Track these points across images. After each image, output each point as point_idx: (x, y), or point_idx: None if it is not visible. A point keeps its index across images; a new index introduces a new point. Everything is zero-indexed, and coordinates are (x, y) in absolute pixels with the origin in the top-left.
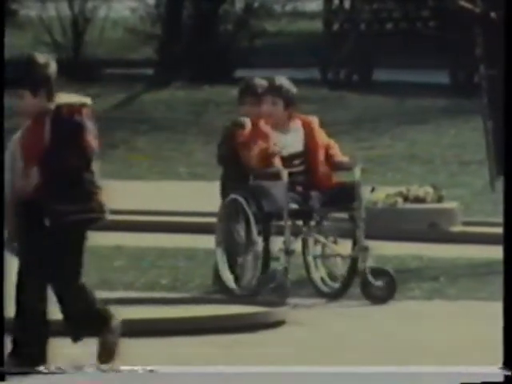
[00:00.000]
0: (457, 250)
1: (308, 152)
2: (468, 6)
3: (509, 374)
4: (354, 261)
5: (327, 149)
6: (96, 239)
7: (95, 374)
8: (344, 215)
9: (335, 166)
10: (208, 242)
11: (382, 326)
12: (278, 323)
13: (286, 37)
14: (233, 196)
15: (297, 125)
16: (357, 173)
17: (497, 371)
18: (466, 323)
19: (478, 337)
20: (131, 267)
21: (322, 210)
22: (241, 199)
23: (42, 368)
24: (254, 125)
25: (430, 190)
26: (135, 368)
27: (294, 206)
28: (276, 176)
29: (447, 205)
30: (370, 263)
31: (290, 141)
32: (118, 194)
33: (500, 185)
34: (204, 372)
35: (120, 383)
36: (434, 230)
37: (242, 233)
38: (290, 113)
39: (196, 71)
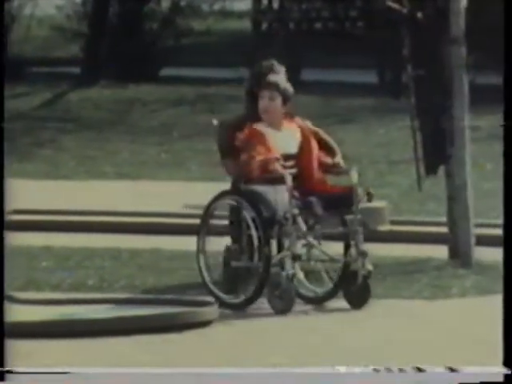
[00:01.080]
0: (385, 249)
1: (303, 155)
2: (395, 6)
3: (509, 373)
4: (346, 265)
5: (318, 151)
6: (25, 239)
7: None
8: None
9: (328, 169)
10: (133, 242)
11: (309, 324)
12: (206, 323)
13: (213, 36)
14: (229, 201)
15: (292, 125)
16: (354, 176)
17: (497, 371)
18: (393, 322)
19: (402, 335)
20: (59, 267)
21: (325, 216)
22: (238, 205)
23: (42, 368)
24: (250, 125)
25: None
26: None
27: (296, 211)
28: (278, 180)
29: (375, 204)
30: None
31: (284, 140)
32: (46, 194)
33: (427, 184)
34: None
35: None
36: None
37: (243, 240)
38: (286, 110)
39: (122, 70)
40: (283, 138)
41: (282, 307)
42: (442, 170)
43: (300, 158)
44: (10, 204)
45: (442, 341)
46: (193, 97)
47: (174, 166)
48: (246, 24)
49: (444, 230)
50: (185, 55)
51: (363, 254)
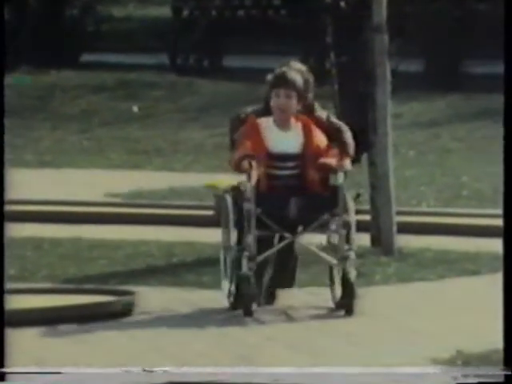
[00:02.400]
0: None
1: (303, 156)
2: None
3: (509, 373)
4: (330, 270)
5: (323, 152)
6: None
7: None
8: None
9: (320, 168)
10: (54, 231)
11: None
12: (126, 313)
13: (133, 22)
14: (222, 194)
15: (297, 124)
16: (340, 177)
17: (497, 371)
18: (316, 311)
19: (325, 324)
20: None
21: (299, 217)
22: (228, 199)
23: (42, 368)
24: (254, 119)
25: None
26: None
27: (259, 210)
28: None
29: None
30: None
31: (287, 140)
32: None
33: (350, 172)
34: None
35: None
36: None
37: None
38: (300, 108)
39: (43, 56)
40: (287, 137)
41: (242, 309)
42: (364, 158)
43: (302, 158)
44: None
45: (367, 329)
46: (113, 83)
47: (95, 154)
48: (166, 11)
49: (366, 217)
50: (105, 41)
51: (345, 259)
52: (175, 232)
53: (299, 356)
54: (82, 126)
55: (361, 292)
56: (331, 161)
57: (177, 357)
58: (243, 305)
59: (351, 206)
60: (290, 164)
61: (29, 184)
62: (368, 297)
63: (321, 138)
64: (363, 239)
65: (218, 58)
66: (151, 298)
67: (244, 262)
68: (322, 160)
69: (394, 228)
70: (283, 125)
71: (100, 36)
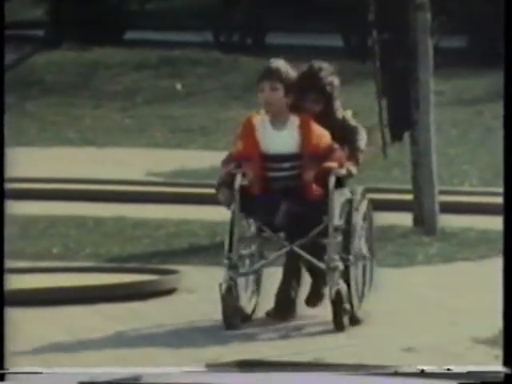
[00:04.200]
0: None
1: (302, 156)
2: None
3: (509, 373)
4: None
5: (326, 152)
6: None
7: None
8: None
9: (320, 170)
10: (98, 209)
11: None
12: (170, 291)
13: (177, 0)
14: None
15: (294, 121)
16: (331, 182)
17: (497, 371)
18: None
19: (367, 303)
20: (22, 236)
21: (286, 223)
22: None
23: (42, 368)
24: (248, 120)
25: None
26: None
27: (241, 215)
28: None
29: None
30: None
31: (283, 138)
32: (8, 161)
33: (392, 151)
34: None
35: None
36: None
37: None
38: (290, 102)
39: (86, 33)
40: (282, 136)
41: (224, 323)
42: (406, 136)
43: (300, 158)
44: None
45: (410, 308)
46: (156, 61)
47: (137, 132)
48: None
49: (408, 197)
50: (149, 19)
51: (332, 269)
52: (218, 211)
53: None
54: (124, 104)
55: (403, 272)
56: (332, 164)
57: (219, 335)
58: (222, 317)
59: (359, 208)
60: (287, 165)
61: (71, 162)
62: (410, 277)
63: (321, 137)
64: (405, 219)
65: (261, 35)
66: (194, 276)
67: (225, 271)
68: (325, 164)
69: (437, 207)
70: (278, 123)
71: (144, 14)
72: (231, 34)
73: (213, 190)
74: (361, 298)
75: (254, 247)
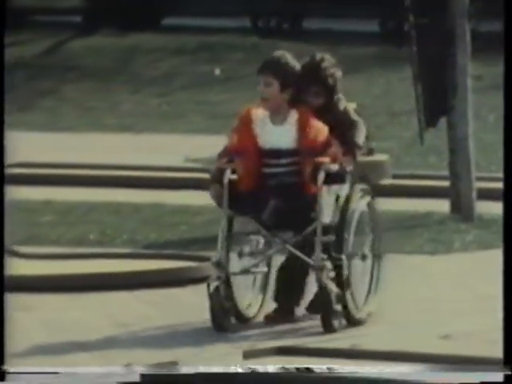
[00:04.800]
0: (386, 203)
1: (300, 151)
2: None
3: (509, 373)
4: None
5: (323, 148)
6: (25, 193)
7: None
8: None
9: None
10: (135, 196)
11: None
12: (207, 278)
13: None
14: None
15: (293, 116)
16: (320, 177)
17: (497, 371)
18: (393, 277)
19: (405, 290)
20: (59, 222)
21: (273, 220)
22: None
23: (42, 368)
24: (245, 113)
25: None
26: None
27: (228, 212)
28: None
29: (378, 158)
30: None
31: (283, 134)
32: (47, 146)
33: (429, 136)
34: None
35: None
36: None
37: None
38: (290, 97)
39: (124, 18)
40: (280, 131)
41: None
42: (443, 121)
43: (297, 153)
44: (10, 157)
45: (446, 295)
46: (194, 46)
47: (175, 118)
48: None
49: (445, 183)
50: (187, 5)
51: (319, 268)
52: None
53: None
54: (162, 90)
55: (439, 259)
56: (323, 159)
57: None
58: (211, 318)
59: (356, 206)
60: (285, 161)
61: (109, 148)
62: (446, 264)
63: (319, 132)
64: (442, 206)
65: (298, 20)
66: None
67: (212, 270)
68: (317, 159)
69: (474, 194)
70: (277, 118)
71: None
72: (269, 19)
73: None
74: (364, 299)
75: (257, 246)
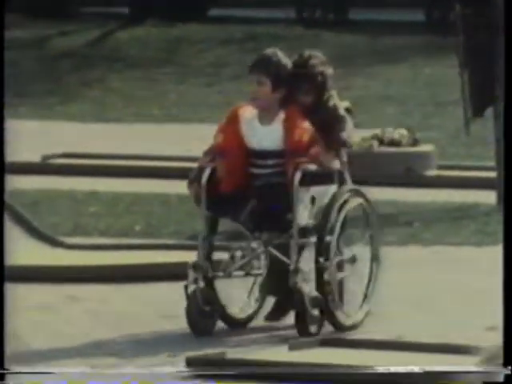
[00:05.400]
0: (432, 194)
1: (285, 152)
2: None
3: (509, 373)
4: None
5: (308, 148)
6: (71, 184)
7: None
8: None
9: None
10: (182, 187)
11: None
12: None
13: None
14: None
15: (281, 116)
16: (295, 178)
17: (497, 371)
18: (440, 269)
19: (452, 282)
20: (106, 213)
21: (250, 222)
22: None
23: (41, 368)
24: (233, 112)
25: (404, 132)
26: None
27: (205, 212)
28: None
29: (423, 148)
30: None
31: (270, 134)
32: (93, 136)
33: (475, 127)
34: None
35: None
36: (409, 174)
37: None
38: (282, 97)
39: (170, 9)
40: (267, 131)
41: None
42: (489, 111)
43: (282, 155)
44: (56, 147)
45: (493, 286)
46: (241, 36)
47: (222, 108)
48: None
49: (492, 174)
50: None
51: (294, 272)
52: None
53: None
54: (209, 80)
55: (485, 250)
56: (301, 160)
57: None
58: (187, 321)
59: (342, 207)
60: (271, 161)
61: (155, 139)
62: (493, 255)
63: (305, 132)
64: (488, 197)
65: (343, 10)
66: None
67: (189, 273)
68: (296, 160)
69: None
70: (266, 118)
71: None
72: (314, 10)
73: None
74: (359, 304)
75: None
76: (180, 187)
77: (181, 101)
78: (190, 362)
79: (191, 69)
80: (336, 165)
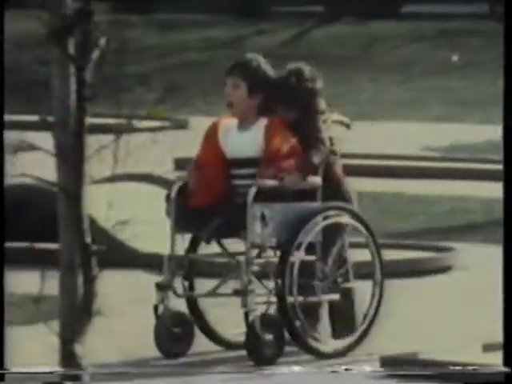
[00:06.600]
0: None
1: (261, 159)
2: None
3: (509, 373)
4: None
5: (281, 158)
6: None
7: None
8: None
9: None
10: (375, 185)
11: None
12: (445, 269)
13: None
14: None
15: (262, 123)
16: (250, 195)
17: (497, 371)
18: None
19: None
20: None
21: (212, 238)
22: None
23: (41, 368)
24: (214, 122)
25: None
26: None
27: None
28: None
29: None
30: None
31: (247, 141)
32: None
33: None
34: None
35: None
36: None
37: None
38: (259, 102)
39: (365, 6)
40: (244, 138)
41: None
42: None
43: (260, 163)
44: None
45: None
46: (433, 32)
47: (414, 106)
48: None
49: None
50: None
51: (243, 293)
52: (494, 187)
53: None
54: (401, 77)
55: None
56: (262, 172)
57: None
58: (155, 342)
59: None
60: (250, 171)
61: (348, 137)
62: None
63: (285, 142)
64: None
65: None
66: (469, 254)
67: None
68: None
69: None
70: (244, 125)
71: None
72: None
73: (488, 166)
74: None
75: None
76: (373, 185)
77: (373, 98)
78: (384, 362)
79: (384, 66)
80: (294, 183)
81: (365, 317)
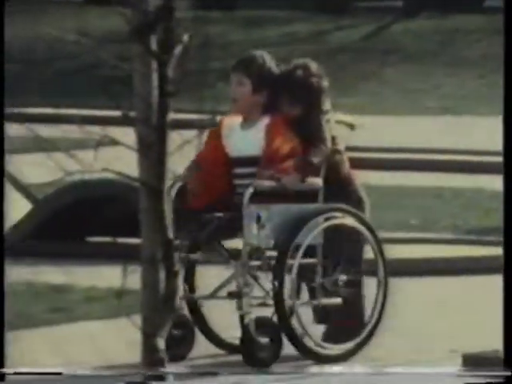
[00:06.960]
0: None
1: (261, 159)
2: None
3: (509, 374)
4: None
5: (280, 159)
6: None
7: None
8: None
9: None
10: (456, 180)
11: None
12: None
13: None
14: None
15: (264, 121)
16: (246, 196)
17: (497, 371)
18: None
19: None
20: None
21: (208, 241)
22: None
23: (42, 368)
24: (223, 117)
25: None
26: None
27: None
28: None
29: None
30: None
31: (249, 140)
32: (366, 129)
33: None
34: None
35: None
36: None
37: None
38: (264, 101)
39: (446, 0)
40: (247, 136)
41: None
42: None
43: (260, 162)
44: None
45: None
46: None
47: (493, 100)
48: None
49: None
50: None
51: (237, 295)
52: None
53: None
54: (481, 71)
55: None
56: (261, 173)
57: None
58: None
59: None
60: (249, 170)
61: (428, 131)
62: None
63: (284, 142)
64: None
65: None
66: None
67: None
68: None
69: None
70: (247, 123)
71: None
72: None
73: None
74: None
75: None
76: (454, 180)
77: (454, 93)
78: (466, 360)
79: (464, 60)
80: (292, 184)
81: (368, 321)
